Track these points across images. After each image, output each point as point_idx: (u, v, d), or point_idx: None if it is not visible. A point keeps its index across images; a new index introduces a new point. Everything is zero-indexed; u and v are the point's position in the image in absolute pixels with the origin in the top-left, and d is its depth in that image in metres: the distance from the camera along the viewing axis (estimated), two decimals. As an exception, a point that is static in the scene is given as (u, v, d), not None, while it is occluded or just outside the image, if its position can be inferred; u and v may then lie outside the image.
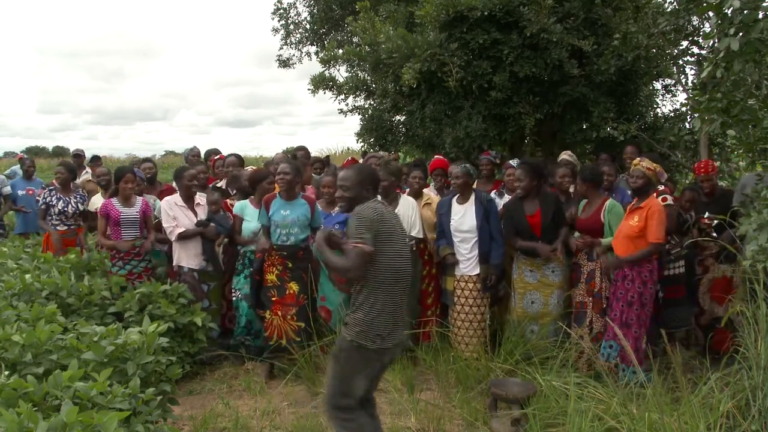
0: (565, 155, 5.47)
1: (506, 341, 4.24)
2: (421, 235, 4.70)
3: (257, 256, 4.53)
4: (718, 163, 6.21)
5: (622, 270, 4.02)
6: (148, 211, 4.94)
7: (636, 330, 3.97)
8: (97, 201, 5.66)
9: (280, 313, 4.34)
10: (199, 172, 5.38)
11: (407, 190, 5.12)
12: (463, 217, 4.49)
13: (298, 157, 6.60)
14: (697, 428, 2.75)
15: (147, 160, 6.46)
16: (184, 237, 4.66)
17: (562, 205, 4.51)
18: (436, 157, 5.66)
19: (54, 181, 5.87)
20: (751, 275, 3.23)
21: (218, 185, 5.62)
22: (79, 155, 7.97)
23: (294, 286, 4.36)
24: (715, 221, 4.40)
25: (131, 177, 4.85)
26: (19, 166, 9.14)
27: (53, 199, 5.65)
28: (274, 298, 4.37)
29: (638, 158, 4.16)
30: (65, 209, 5.63)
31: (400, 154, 8.12)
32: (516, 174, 4.51)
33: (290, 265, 4.38)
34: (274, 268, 4.39)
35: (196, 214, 4.80)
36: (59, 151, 31.47)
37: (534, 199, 4.44)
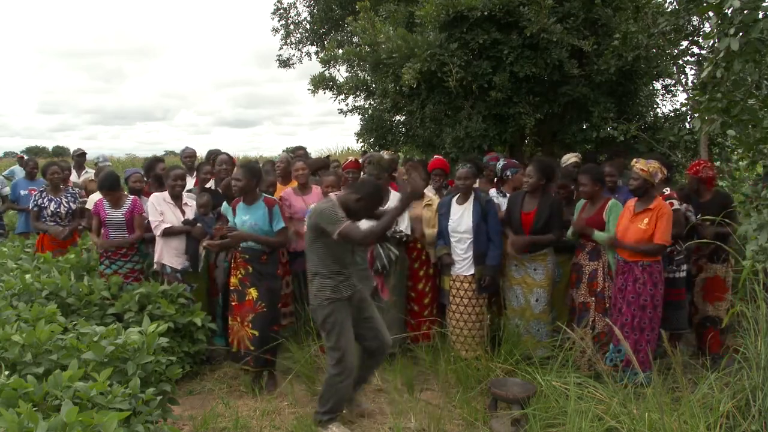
0: (574, 157, 5.42)
1: (506, 341, 4.24)
2: (408, 231, 4.68)
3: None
4: (718, 163, 6.21)
5: (633, 273, 3.99)
6: (137, 210, 4.89)
7: (648, 333, 3.95)
8: (96, 198, 5.64)
9: (239, 318, 4.25)
10: (206, 173, 5.51)
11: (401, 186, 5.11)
12: (461, 217, 4.50)
13: (295, 155, 6.56)
14: (697, 428, 2.75)
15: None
16: (169, 233, 4.64)
17: (561, 211, 4.45)
18: (435, 157, 5.65)
19: (47, 180, 5.82)
20: (751, 275, 3.22)
21: (206, 186, 5.47)
22: (83, 154, 7.96)
23: (253, 292, 4.22)
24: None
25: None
26: (17, 166, 9.15)
27: (44, 200, 5.63)
28: (233, 303, 4.28)
29: (635, 159, 4.20)
30: (58, 210, 5.60)
31: (400, 154, 8.13)
32: (527, 170, 4.51)
33: (251, 269, 4.25)
34: (237, 272, 4.30)
35: (183, 213, 4.79)
36: (59, 151, 31.50)
37: (535, 198, 4.44)
